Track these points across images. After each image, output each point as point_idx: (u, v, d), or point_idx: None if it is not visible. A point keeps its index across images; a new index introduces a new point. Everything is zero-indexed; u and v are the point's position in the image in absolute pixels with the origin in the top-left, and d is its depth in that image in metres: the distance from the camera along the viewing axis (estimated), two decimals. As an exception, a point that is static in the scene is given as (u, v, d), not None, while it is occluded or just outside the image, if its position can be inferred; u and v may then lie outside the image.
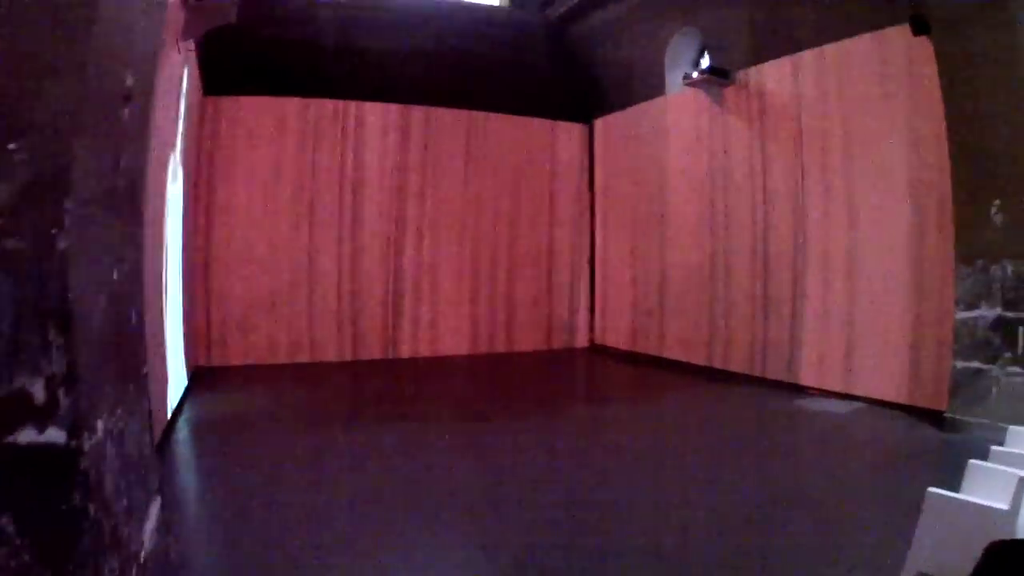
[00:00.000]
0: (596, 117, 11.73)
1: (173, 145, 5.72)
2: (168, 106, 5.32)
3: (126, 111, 2.57)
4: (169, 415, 5.72)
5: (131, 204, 2.92)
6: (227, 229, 9.56)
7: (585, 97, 11.82)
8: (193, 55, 7.39)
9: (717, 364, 9.31)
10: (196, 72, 8.11)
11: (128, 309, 2.82)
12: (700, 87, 9.14)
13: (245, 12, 9.62)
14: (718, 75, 8.96)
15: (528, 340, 11.33)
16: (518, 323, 11.29)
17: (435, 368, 10.12)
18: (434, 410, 7.30)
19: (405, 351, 10.55)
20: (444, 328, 10.79)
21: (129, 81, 2.56)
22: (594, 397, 8.70)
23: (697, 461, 5.54)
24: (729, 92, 9.05)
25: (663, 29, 10.17)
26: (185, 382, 7.21)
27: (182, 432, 6.03)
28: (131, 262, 2.91)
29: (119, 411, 2.44)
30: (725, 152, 9.22)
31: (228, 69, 9.50)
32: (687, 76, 9.12)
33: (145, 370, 3.11)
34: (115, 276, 2.62)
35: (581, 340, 11.71)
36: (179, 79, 5.77)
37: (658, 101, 10.43)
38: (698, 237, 9.54)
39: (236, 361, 9.50)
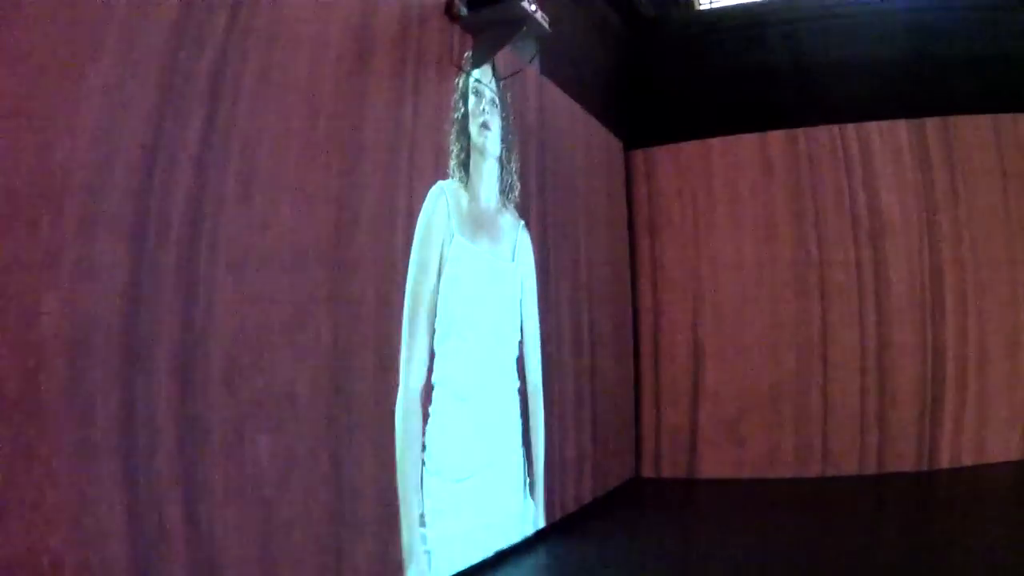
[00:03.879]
0: None
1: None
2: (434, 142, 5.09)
3: None
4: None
5: None
6: (679, 306, 9.05)
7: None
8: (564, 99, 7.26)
9: None
10: (592, 123, 8.06)
11: None
12: None
13: (671, 51, 9.94)
14: None
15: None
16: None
17: (983, 486, 7.69)
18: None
19: (944, 459, 8.36)
20: (994, 424, 8.37)
21: None
22: None
23: None
24: None
25: None
26: (537, 520, 6.17)
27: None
28: None
29: None
30: None
31: (660, 116, 9.69)
32: None
33: None
34: None
35: None
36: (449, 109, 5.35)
37: None
38: None
39: (708, 472, 8.69)
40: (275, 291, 3.72)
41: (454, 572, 5.01)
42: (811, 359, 8.74)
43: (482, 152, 5.77)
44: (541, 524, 6.23)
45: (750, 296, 8.90)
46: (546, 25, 5.62)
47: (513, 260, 6.22)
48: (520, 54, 6.41)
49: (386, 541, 4.34)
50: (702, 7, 10.22)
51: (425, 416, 4.79)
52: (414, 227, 4.80)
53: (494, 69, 5.94)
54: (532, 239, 6.47)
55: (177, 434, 3.15)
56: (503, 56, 5.98)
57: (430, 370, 4.88)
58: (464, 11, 5.34)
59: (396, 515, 4.44)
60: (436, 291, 4.99)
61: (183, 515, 3.14)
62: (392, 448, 4.42)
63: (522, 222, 6.37)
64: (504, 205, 6.10)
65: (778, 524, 6.67)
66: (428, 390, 4.84)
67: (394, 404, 4.46)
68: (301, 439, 3.80)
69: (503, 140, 6.06)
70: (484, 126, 5.79)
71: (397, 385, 4.51)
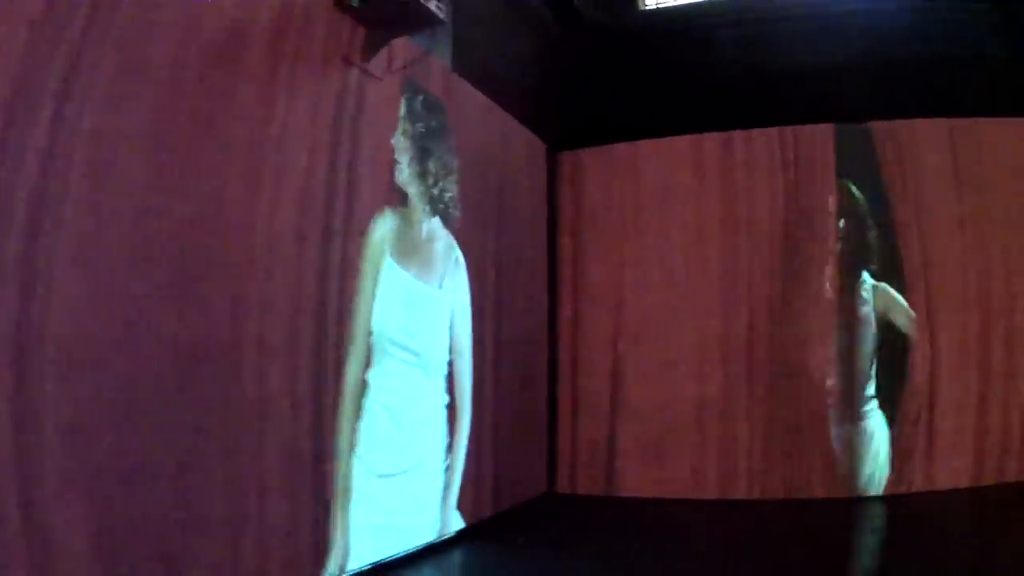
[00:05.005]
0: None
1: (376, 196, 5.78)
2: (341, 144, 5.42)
3: None
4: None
5: None
6: (601, 317, 9.20)
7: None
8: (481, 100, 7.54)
9: None
10: (511, 122, 8.31)
11: None
12: None
13: (610, 51, 10.01)
14: None
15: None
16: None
17: (920, 512, 7.90)
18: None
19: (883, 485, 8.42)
20: (939, 449, 8.42)
21: None
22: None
23: None
24: None
25: None
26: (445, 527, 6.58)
27: None
28: None
29: None
30: None
31: (595, 118, 9.81)
32: None
33: None
34: None
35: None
36: (349, 107, 5.63)
37: None
38: None
39: (627, 490, 8.88)
40: (119, 288, 3.85)
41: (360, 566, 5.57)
42: (738, 376, 8.86)
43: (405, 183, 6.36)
44: (448, 532, 6.77)
45: (676, 308, 8.99)
46: (442, 15, 5.78)
47: (440, 288, 6.82)
48: (431, 49, 6.72)
49: (234, 544, 4.51)
50: (646, 7, 10.34)
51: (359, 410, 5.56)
52: (276, 229, 5.00)
53: (390, 64, 6.15)
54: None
55: (11, 424, 3.34)
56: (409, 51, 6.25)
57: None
58: (356, 1, 5.46)
59: (247, 519, 4.64)
60: (371, 306, 5.79)
61: (18, 504, 3.34)
62: (243, 454, 4.64)
63: (458, 253, 7.00)
64: (434, 216, 6.69)
65: (688, 547, 6.92)
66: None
67: (244, 410, 4.69)
68: (142, 438, 3.93)
69: (419, 160, 6.49)
70: (397, 160, 6.29)
71: (247, 390, 4.73)
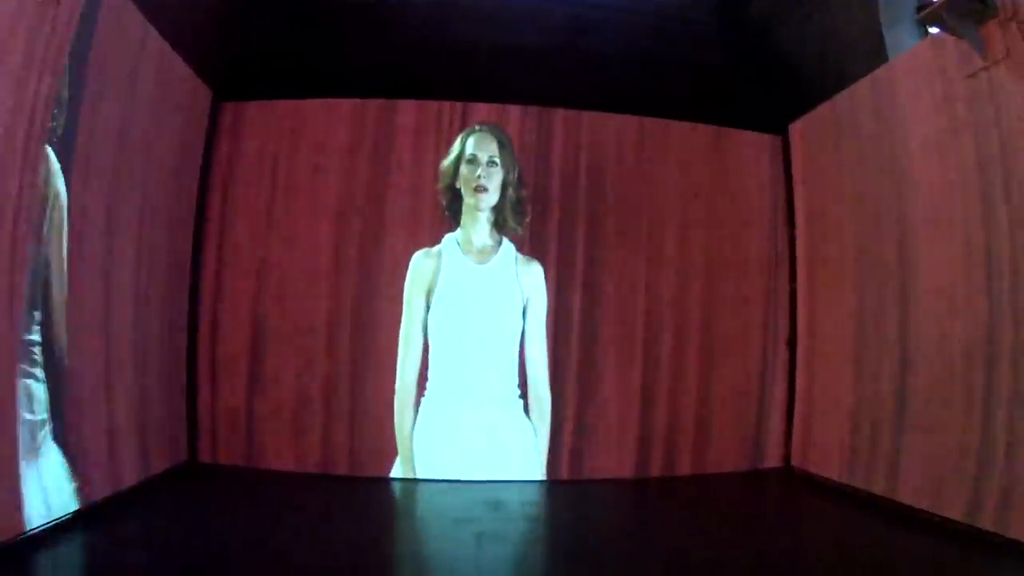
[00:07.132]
0: (791, 121, 9.97)
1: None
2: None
3: None
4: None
5: None
6: (243, 279, 9.11)
7: (775, 98, 10.22)
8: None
9: (986, 523, 6.43)
10: (175, 62, 7.97)
11: None
12: (945, 25, 6.75)
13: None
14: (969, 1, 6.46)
15: (720, 458, 9.65)
16: (707, 435, 9.63)
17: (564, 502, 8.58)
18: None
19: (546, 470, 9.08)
20: (602, 440, 9.32)
21: None
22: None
23: None
24: (991, 31, 6.45)
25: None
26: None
27: None
28: None
29: None
30: (1001, 135, 6.58)
31: (280, 72, 9.49)
32: (924, 7, 6.89)
33: None
34: None
35: (774, 458, 9.84)
36: (43, 32, 5.39)
37: (879, 74, 8.22)
38: (965, 292, 6.99)
39: (269, 462, 8.89)
40: None
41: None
42: (366, 348, 9.09)
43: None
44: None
45: (319, 276, 9.08)
46: None
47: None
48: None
49: None
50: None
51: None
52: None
53: None
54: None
55: None
56: None
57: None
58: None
59: None
60: None
61: None
62: None
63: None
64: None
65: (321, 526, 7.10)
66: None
67: None
68: None
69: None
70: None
71: None
